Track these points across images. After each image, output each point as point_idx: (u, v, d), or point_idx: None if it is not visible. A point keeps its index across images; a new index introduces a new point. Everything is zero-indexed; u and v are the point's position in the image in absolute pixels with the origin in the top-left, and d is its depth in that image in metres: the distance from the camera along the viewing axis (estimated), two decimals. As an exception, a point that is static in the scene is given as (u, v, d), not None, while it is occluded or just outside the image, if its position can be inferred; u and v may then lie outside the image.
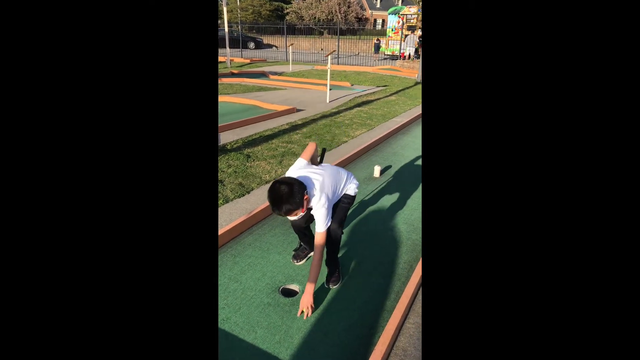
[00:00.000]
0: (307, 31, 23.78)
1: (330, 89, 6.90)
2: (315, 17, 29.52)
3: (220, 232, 2.17)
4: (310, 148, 1.86)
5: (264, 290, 1.83)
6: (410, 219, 2.61)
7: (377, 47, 17.35)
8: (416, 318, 1.69)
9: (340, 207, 1.87)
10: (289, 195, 1.52)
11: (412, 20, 14.31)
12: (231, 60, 12.07)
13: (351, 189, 1.90)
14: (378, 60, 15.34)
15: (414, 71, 11.12)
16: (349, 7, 31.72)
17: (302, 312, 1.65)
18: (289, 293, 1.84)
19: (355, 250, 2.20)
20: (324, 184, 1.68)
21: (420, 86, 8.94)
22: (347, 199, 1.90)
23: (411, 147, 4.31)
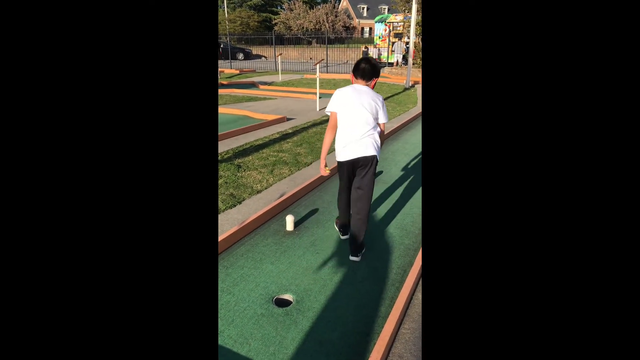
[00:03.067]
0: (296, 41, 23.97)
1: (320, 97, 6.93)
2: (303, 27, 29.82)
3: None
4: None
5: (257, 301, 1.81)
6: (402, 223, 2.61)
7: (366, 55, 17.53)
8: (412, 323, 1.68)
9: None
10: (377, 65, 2.17)
11: (398, 28, 14.52)
12: (220, 72, 12.09)
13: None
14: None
15: (402, 77, 11.25)
16: (336, 16, 32.12)
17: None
18: (282, 303, 1.81)
19: (348, 257, 2.19)
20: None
21: (408, 92, 9.03)
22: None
23: (401, 152, 4.33)
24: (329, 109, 2.10)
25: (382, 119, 2.09)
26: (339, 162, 2.15)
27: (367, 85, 2.10)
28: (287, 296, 1.86)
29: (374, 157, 2.04)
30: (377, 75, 2.11)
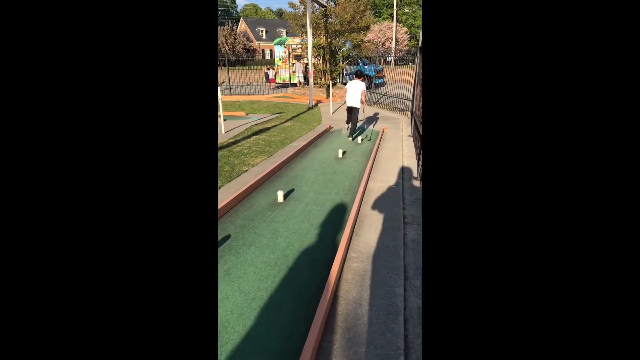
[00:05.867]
0: (195, 63, 23.13)
1: (225, 120, 6.80)
2: (202, 49, 29.03)
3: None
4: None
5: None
6: (317, 238, 2.68)
7: (268, 77, 17.82)
8: (330, 335, 1.72)
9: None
10: (362, 71, 6.21)
11: (297, 50, 15.13)
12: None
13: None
14: (270, 88, 15.75)
15: (305, 97, 11.69)
16: (235, 39, 32.15)
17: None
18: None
19: (266, 281, 2.15)
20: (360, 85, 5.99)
21: (312, 111, 9.42)
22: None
23: (310, 168, 4.47)
24: (346, 87, 5.95)
25: (363, 89, 5.85)
26: (347, 105, 6.02)
27: (358, 79, 5.90)
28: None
29: (354, 107, 5.94)
30: (362, 76, 5.93)
